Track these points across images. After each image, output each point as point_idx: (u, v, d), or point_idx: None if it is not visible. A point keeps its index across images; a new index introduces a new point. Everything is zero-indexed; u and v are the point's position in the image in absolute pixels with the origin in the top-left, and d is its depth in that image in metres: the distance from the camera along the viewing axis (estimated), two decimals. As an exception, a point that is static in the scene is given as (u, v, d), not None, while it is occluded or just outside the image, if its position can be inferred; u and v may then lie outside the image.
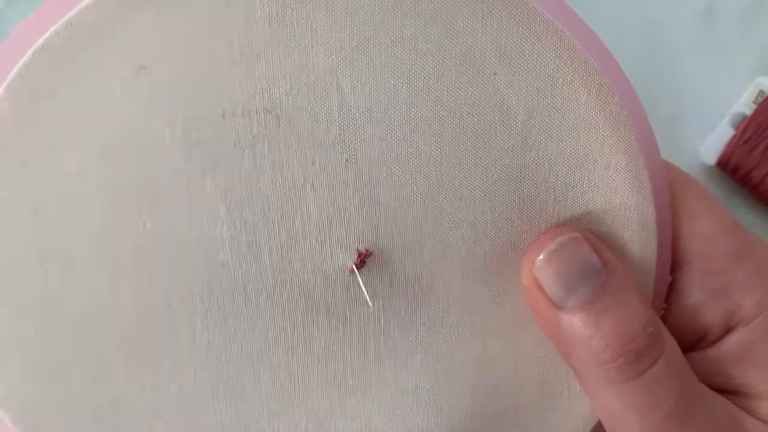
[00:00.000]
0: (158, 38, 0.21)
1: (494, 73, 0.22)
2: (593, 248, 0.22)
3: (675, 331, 0.23)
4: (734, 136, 0.35)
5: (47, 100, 0.21)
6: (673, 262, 0.24)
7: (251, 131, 0.21)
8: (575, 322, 0.22)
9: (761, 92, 0.34)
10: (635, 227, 0.23)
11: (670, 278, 0.25)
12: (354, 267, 0.23)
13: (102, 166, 0.21)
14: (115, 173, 0.21)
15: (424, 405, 0.25)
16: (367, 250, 0.23)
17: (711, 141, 0.35)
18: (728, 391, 0.24)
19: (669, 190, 0.24)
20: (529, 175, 0.23)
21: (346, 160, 0.22)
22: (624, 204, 0.23)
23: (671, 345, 0.22)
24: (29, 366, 0.23)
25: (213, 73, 0.21)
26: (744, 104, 0.35)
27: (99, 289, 0.22)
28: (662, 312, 0.25)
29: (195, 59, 0.21)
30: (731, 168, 0.35)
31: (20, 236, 0.22)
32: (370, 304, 0.23)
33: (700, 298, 0.24)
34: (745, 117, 0.35)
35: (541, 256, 0.22)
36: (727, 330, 0.24)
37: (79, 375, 0.23)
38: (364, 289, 0.23)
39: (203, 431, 0.24)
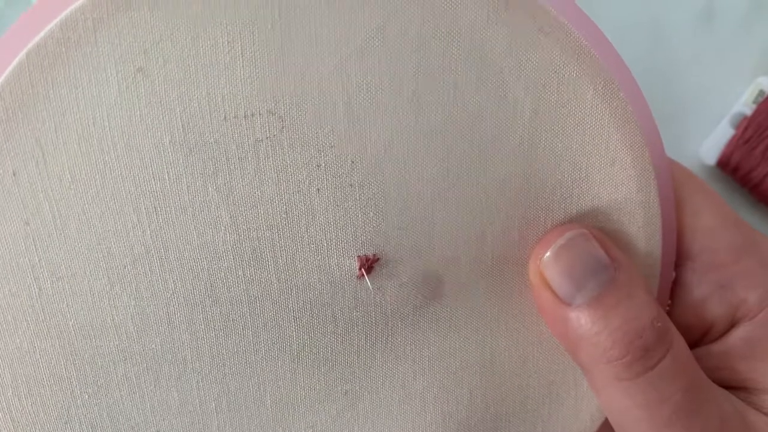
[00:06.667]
0: (157, 40, 0.20)
1: (501, 69, 0.22)
2: (600, 244, 0.22)
3: (680, 327, 0.23)
4: (734, 136, 0.35)
5: (41, 103, 0.20)
6: (677, 257, 0.25)
7: (254, 134, 0.21)
8: (583, 318, 0.21)
9: (761, 92, 0.34)
10: (640, 223, 0.23)
11: (674, 274, 0.25)
12: (362, 272, 0.22)
13: (98, 173, 0.21)
14: (111, 180, 0.21)
15: (432, 408, 0.24)
16: (374, 255, 0.22)
17: (711, 141, 0.36)
18: (734, 387, 0.24)
19: (673, 186, 0.24)
20: (536, 172, 0.23)
21: (352, 162, 0.21)
22: (629, 200, 0.23)
23: (679, 340, 0.22)
24: (23, 382, 0.22)
25: (214, 75, 0.20)
26: (744, 104, 0.35)
27: (96, 301, 0.22)
28: (667, 308, 0.25)
29: (195, 61, 0.20)
30: (731, 168, 0.35)
31: (11, 249, 0.21)
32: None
33: (704, 292, 0.24)
34: (745, 117, 0.35)
35: (548, 253, 0.22)
36: (732, 324, 0.24)
37: (76, 390, 0.22)
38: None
39: None
